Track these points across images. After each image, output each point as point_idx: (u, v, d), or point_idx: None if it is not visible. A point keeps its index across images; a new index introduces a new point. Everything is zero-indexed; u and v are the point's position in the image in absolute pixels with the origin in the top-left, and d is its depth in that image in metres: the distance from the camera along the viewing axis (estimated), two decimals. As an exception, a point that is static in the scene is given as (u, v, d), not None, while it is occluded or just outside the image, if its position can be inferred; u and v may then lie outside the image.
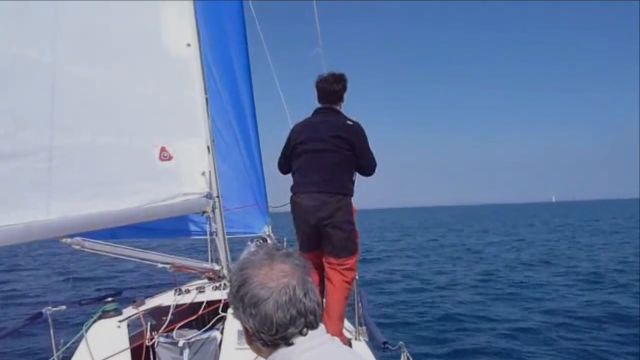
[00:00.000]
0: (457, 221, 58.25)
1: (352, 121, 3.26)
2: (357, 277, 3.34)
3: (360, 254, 3.34)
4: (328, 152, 3.15)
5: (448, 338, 7.49)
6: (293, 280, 1.04)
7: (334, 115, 3.29)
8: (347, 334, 3.22)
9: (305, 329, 1.05)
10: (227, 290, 1.12)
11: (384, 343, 2.89)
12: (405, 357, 2.64)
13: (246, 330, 1.07)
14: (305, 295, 1.05)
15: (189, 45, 3.38)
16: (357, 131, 3.23)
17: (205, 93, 3.52)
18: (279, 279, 1.04)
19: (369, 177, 3.40)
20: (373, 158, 3.33)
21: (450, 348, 6.99)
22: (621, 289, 10.93)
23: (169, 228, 4.38)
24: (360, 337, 3.25)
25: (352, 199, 3.25)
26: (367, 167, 3.32)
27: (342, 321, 3.20)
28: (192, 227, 4.42)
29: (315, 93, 3.37)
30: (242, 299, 1.04)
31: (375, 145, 3.36)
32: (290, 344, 1.04)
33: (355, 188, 3.30)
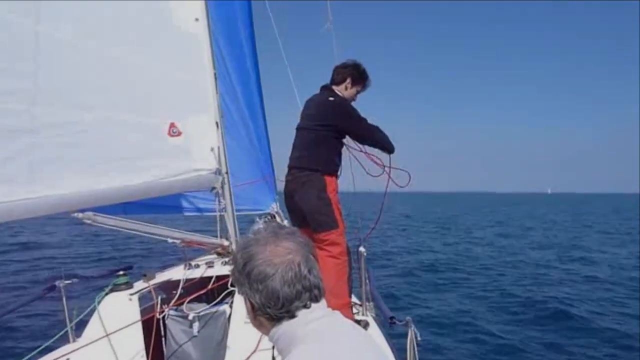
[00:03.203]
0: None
1: (334, 97, 3.28)
2: (364, 253, 3.34)
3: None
4: (306, 130, 3.27)
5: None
6: (297, 257, 1.09)
7: (323, 93, 3.37)
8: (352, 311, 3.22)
9: (309, 302, 1.10)
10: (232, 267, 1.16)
11: (391, 318, 2.92)
12: (412, 333, 2.66)
13: (252, 305, 1.11)
14: (309, 271, 1.09)
15: (197, 20, 3.34)
16: (334, 107, 3.22)
17: (214, 68, 3.49)
18: (284, 256, 1.08)
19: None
20: (364, 127, 3.25)
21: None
22: None
23: (178, 205, 4.42)
24: (368, 313, 3.29)
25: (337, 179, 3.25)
26: (362, 137, 3.29)
27: (337, 298, 3.00)
28: (202, 204, 4.45)
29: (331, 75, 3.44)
30: (249, 275, 1.08)
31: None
32: (294, 317, 1.09)
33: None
